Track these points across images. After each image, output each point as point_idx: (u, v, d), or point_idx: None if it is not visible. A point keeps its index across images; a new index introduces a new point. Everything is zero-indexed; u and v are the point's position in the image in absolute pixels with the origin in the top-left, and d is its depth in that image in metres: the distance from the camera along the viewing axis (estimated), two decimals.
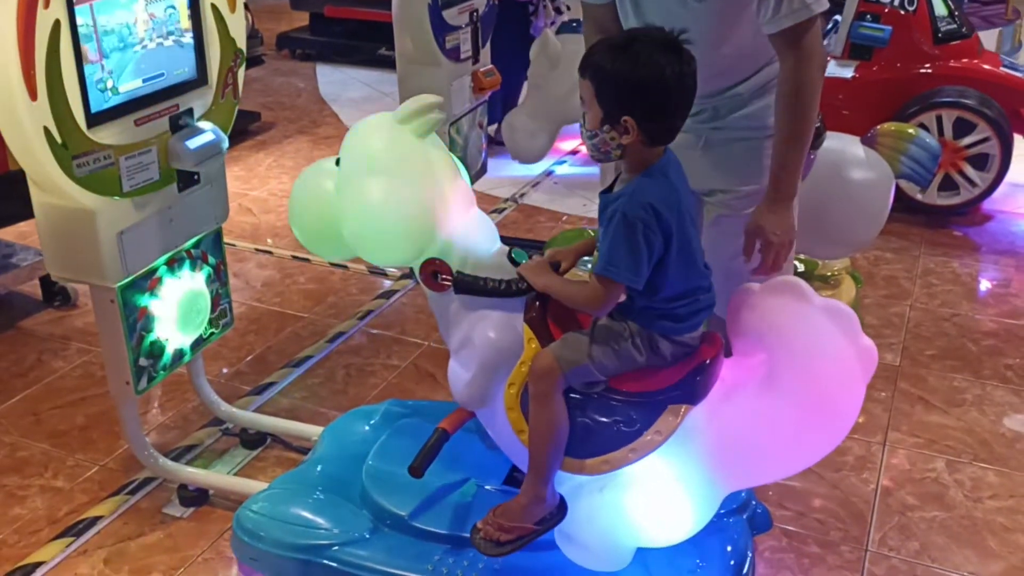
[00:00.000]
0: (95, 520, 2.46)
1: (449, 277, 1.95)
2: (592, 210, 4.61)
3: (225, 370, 3.16)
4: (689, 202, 1.83)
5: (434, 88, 3.29)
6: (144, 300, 2.34)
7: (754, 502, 2.34)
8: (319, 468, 2.44)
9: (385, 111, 2.00)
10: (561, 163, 5.07)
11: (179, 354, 2.50)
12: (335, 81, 6.75)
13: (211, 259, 2.57)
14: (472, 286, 1.95)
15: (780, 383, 1.85)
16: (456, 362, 2.06)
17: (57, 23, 1.93)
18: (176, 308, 2.44)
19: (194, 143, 2.30)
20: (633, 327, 1.86)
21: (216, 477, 2.58)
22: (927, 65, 4.24)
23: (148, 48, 2.21)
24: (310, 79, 6.80)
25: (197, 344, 2.56)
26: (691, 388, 1.90)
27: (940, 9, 4.29)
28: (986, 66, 4.32)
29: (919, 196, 4.18)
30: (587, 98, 1.75)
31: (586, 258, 2.09)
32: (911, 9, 4.22)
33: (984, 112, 4.09)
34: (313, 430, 2.70)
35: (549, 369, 1.86)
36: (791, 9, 1.97)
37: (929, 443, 2.79)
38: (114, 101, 2.13)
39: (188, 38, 2.33)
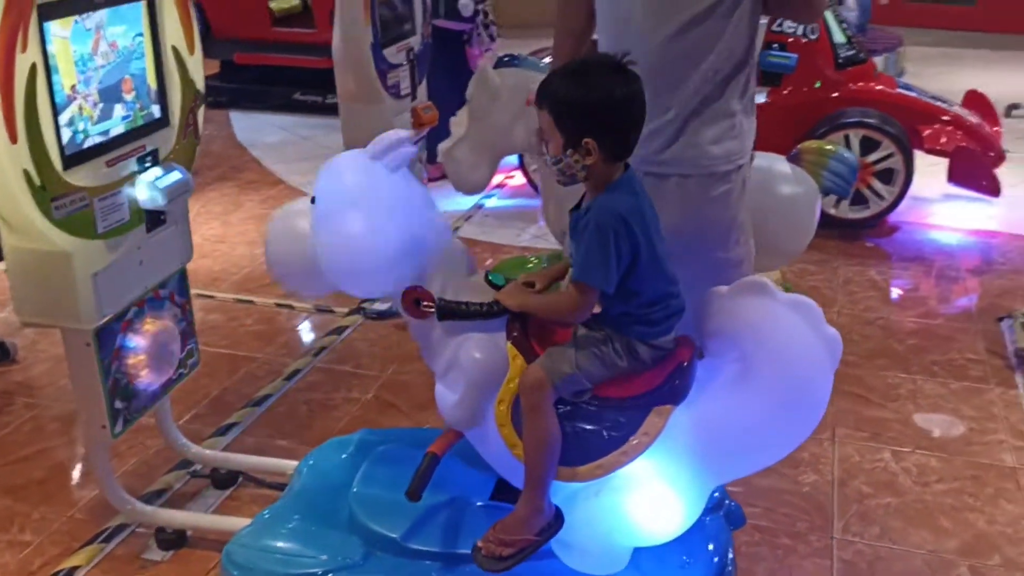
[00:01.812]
0: (72, 571, 2.40)
1: (431, 304, 2.01)
2: (525, 239, 4.77)
3: (186, 416, 3.13)
4: (652, 213, 1.94)
5: (378, 126, 3.35)
6: (118, 342, 2.33)
7: (728, 501, 2.46)
8: (301, 499, 2.45)
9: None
10: (490, 196, 5.19)
11: (152, 395, 2.48)
12: (250, 127, 6.73)
13: (178, 299, 2.56)
14: (455, 311, 2.01)
15: (755, 377, 1.97)
16: (443, 385, 2.12)
17: (34, 66, 1.94)
18: (149, 349, 2.43)
19: (162, 183, 2.32)
20: (611, 334, 1.96)
21: (196, 517, 2.56)
22: (831, 89, 4.54)
23: (114, 89, 2.22)
24: (224, 126, 6.76)
25: (168, 385, 2.55)
26: (672, 389, 2.00)
27: (839, 37, 4.61)
28: (884, 88, 4.65)
29: (832, 211, 4.44)
30: (547, 127, 1.86)
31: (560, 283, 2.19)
32: (813, 38, 4.51)
33: (887, 130, 4.39)
34: (287, 464, 2.70)
35: (539, 382, 1.94)
36: None
37: (874, 436, 2.98)
38: (87, 144, 2.14)
39: (152, 80, 2.35)
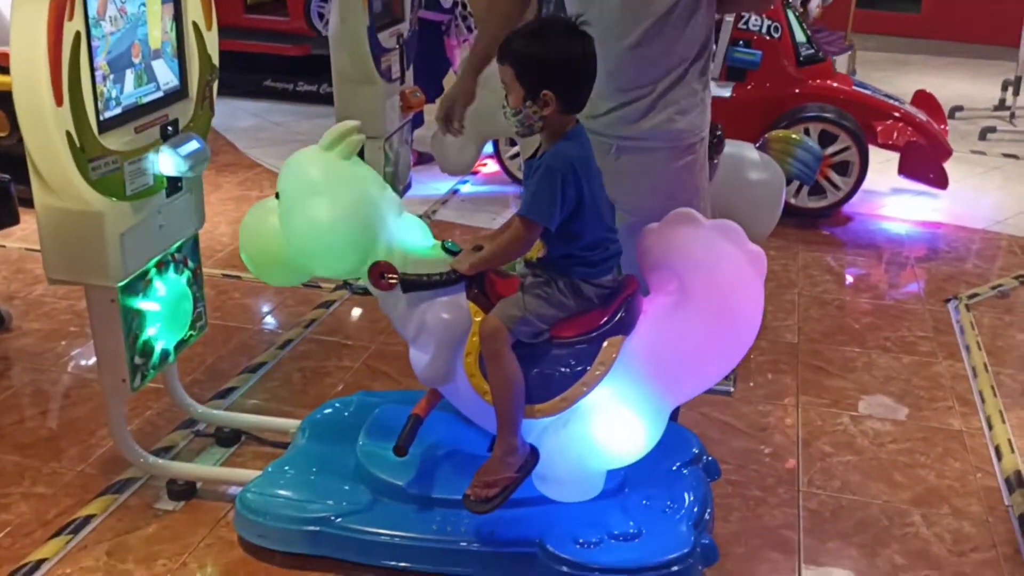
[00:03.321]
0: (88, 519, 2.52)
1: (395, 275, 2.22)
2: (500, 223, 4.92)
3: (184, 381, 3.23)
4: (596, 165, 2.14)
5: (371, 106, 3.53)
6: (138, 301, 2.45)
7: (705, 455, 2.67)
8: (307, 453, 2.62)
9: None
10: (464, 182, 5.36)
11: (165, 354, 2.61)
12: (223, 113, 6.72)
13: (190, 263, 2.70)
14: (417, 282, 2.23)
15: (692, 298, 2.18)
16: (415, 349, 2.31)
17: (78, 34, 2.07)
18: (165, 308, 2.55)
19: (183, 151, 2.45)
20: (555, 276, 2.17)
21: (207, 470, 2.70)
22: (793, 85, 4.80)
23: (144, 61, 2.35)
24: None
25: (180, 345, 2.68)
26: (620, 322, 2.22)
27: (800, 36, 4.87)
28: (841, 86, 4.92)
29: (792, 200, 4.69)
30: (508, 81, 2.07)
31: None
32: (776, 36, 4.77)
33: (844, 124, 4.66)
34: (289, 423, 2.84)
35: (496, 329, 2.14)
36: None
37: (833, 403, 3.22)
38: (118, 110, 2.27)
39: (174, 53, 2.48)
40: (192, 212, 2.65)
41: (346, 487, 2.47)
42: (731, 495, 2.71)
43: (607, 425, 2.22)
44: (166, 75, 2.47)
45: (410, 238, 2.31)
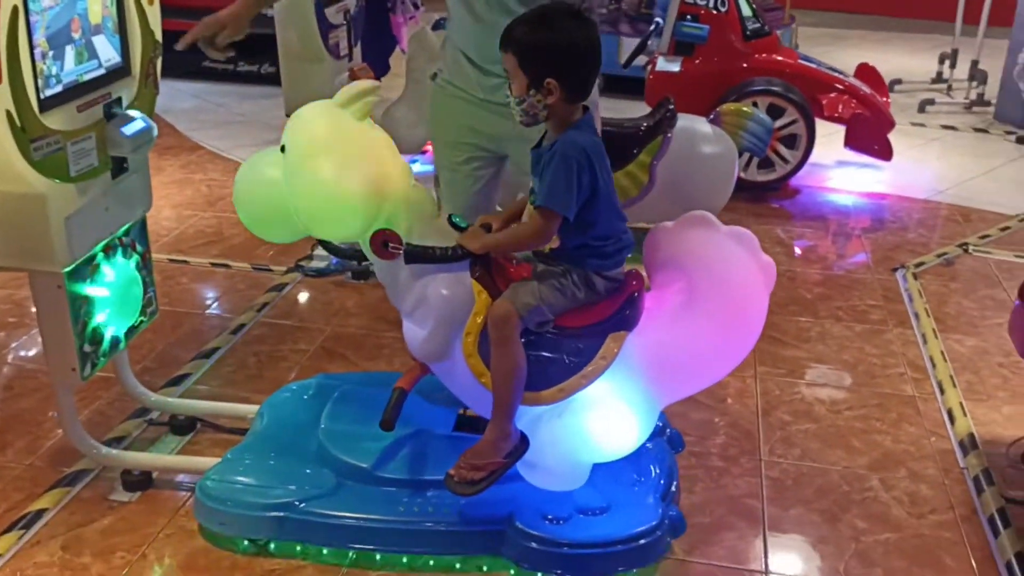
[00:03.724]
0: (40, 513, 2.43)
1: (399, 246, 2.14)
2: None
3: (135, 369, 3.15)
4: (605, 155, 2.12)
5: (321, 84, 3.46)
6: (86, 287, 2.37)
7: (668, 428, 2.68)
8: (268, 438, 2.56)
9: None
10: (414, 161, 5.28)
11: (115, 341, 2.53)
12: (162, 94, 6.52)
13: (139, 247, 2.61)
14: (421, 254, 2.15)
15: (700, 301, 2.18)
16: (411, 322, 2.25)
17: (15, 8, 1.97)
18: (114, 294, 2.47)
19: (129, 129, 2.36)
20: (570, 268, 2.14)
21: (163, 459, 2.63)
22: (740, 59, 4.82)
23: (84, 37, 2.26)
24: None
25: (130, 332, 2.59)
26: (626, 317, 2.20)
27: (746, 11, 4.89)
28: (787, 59, 4.96)
29: (742, 174, 4.72)
30: (511, 69, 2.02)
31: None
32: (723, 10, 4.78)
33: (791, 98, 4.70)
34: (246, 409, 2.78)
35: (508, 314, 2.10)
36: None
37: (790, 372, 3.25)
38: (59, 88, 2.17)
39: (115, 28, 2.38)
40: (139, 194, 2.56)
41: (309, 471, 2.42)
42: (695, 467, 2.72)
43: (602, 419, 2.21)
44: (108, 51, 2.37)
45: (416, 209, 2.22)
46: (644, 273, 2.28)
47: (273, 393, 2.74)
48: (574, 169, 2.00)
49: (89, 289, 2.37)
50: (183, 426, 2.81)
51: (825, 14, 9.79)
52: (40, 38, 2.08)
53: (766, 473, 2.71)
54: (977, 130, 6.28)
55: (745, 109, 3.74)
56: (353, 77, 3.72)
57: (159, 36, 2.53)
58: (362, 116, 2.17)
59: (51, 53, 2.13)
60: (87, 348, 2.40)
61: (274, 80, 7.07)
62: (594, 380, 2.21)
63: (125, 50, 2.43)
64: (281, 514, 2.29)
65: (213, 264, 3.95)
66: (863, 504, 2.59)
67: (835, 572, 2.34)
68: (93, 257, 2.38)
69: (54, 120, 2.15)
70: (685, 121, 3.55)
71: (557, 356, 2.21)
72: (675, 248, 2.23)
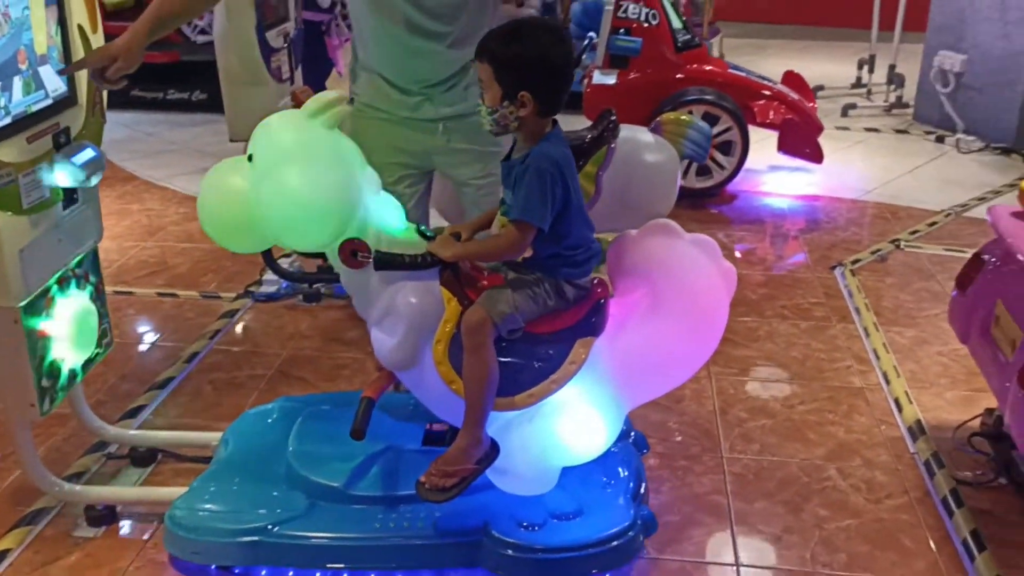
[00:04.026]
0: (3, 554, 2.38)
1: (368, 254, 2.14)
2: None
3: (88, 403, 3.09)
4: (575, 167, 2.17)
5: (262, 108, 3.42)
6: (41, 320, 2.33)
7: (632, 431, 2.73)
8: (234, 464, 2.53)
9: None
10: None
11: (73, 374, 2.48)
12: None
13: (92, 278, 2.57)
14: (390, 261, 2.16)
15: (665, 306, 2.24)
16: (379, 331, 2.26)
17: None
18: (69, 327, 2.43)
19: (79, 159, 2.34)
20: (542, 276, 2.18)
21: (127, 491, 2.58)
22: (673, 70, 4.94)
23: (31, 68, 2.23)
24: None
25: (87, 364, 2.55)
26: (593, 323, 2.25)
27: (676, 23, 5.02)
28: (718, 69, 5.10)
29: (680, 181, 4.82)
30: (486, 79, 2.06)
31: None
32: (655, 23, 4.89)
33: (724, 106, 4.84)
34: (208, 437, 2.75)
35: (482, 322, 2.12)
36: None
37: (742, 371, 3.34)
38: (8, 119, 2.14)
39: (60, 58, 2.36)
40: (90, 225, 2.53)
41: (280, 494, 2.40)
42: (659, 467, 2.78)
43: (571, 423, 2.25)
44: (54, 82, 2.34)
45: (385, 218, 2.22)
46: (608, 280, 2.33)
47: (236, 419, 2.71)
48: (548, 182, 2.04)
49: (44, 323, 2.33)
50: (143, 458, 2.77)
51: (747, 25, 10.07)
52: None
53: (728, 469, 2.78)
54: (898, 131, 6.54)
55: (684, 117, 3.84)
56: (296, 99, 3.71)
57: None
58: (332, 125, 2.16)
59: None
60: (45, 383, 2.36)
61: (206, 107, 7.06)
62: (564, 385, 2.24)
63: (71, 79, 2.41)
64: (255, 538, 2.26)
65: (160, 294, 3.90)
66: (823, 493, 2.67)
67: (802, 560, 2.41)
68: (48, 290, 2.35)
69: (5, 152, 2.12)
70: (627, 131, 3.61)
71: (527, 362, 2.23)
72: (639, 255, 2.28)
